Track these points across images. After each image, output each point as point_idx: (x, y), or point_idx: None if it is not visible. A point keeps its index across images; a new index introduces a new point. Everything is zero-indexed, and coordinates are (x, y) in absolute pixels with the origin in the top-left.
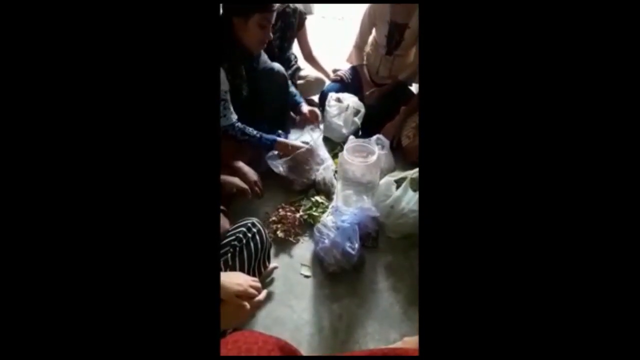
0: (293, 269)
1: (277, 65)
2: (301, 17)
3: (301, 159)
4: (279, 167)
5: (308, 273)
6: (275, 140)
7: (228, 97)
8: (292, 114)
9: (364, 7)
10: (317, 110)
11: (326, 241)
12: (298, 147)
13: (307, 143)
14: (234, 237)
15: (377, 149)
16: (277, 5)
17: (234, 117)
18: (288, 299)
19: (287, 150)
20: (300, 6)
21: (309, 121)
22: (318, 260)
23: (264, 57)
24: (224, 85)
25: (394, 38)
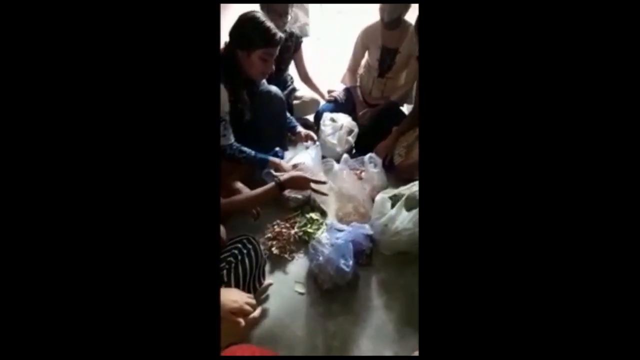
0: (288, 286)
1: (274, 88)
2: (297, 40)
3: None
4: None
5: (302, 290)
6: (267, 160)
7: (228, 118)
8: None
9: (358, 31)
10: (311, 132)
11: (320, 258)
12: (286, 169)
13: (299, 163)
14: (229, 254)
15: (370, 166)
16: (281, 39)
17: (232, 137)
18: (282, 316)
19: (280, 170)
20: (296, 30)
21: (303, 140)
22: (312, 277)
23: (263, 80)
24: (225, 106)
25: (385, 62)
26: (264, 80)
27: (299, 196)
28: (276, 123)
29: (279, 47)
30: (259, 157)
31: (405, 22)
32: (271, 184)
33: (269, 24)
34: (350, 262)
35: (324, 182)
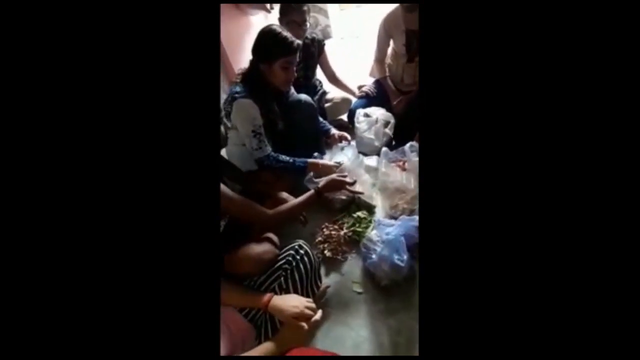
0: (345, 287)
1: (303, 96)
2: (320, 45)
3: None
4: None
5: (360, 290)
6: (307, 162)
7: (262, 130)
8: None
9: (379, 21)
10: (344, 133)
11: (373, 256)
12: (328, 166)
13: (339, 163)
14: (284, 261)
15: (412, 155)
16: (298, 46)
17: (268, 149)
18: (344, 317)
19: (319, 169)
20: (318, 34)
21: (337, 142)
22: (369, 276)
23: (292, 89)
24: (258, 120)
25: (413, 45)
26: (293, 90)
27: (343, 197)
28: (310, 130)
29: (298, 55)
30: (297, 162)
31: None
32: (310, 192)
33: (285, 33)
34: (405, 257)
35: (353, 182)
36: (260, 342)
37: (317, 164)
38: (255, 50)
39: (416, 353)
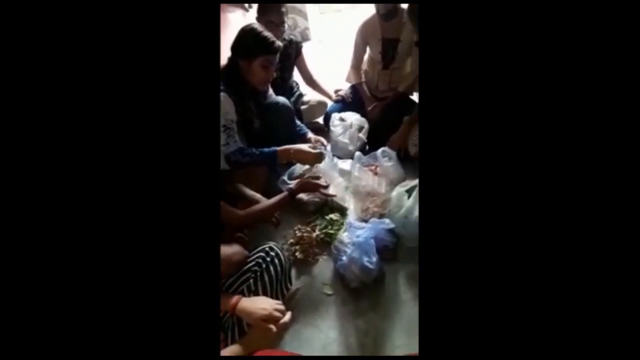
0: (315, 289)
1: (281, 99)
2: (297, 46)
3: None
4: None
5: (330, 291)
6: (275, 151)
7: (234, 126)
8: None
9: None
10: (320, 138)
11: (344, 258)
12: (301, 150)
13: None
14: (254, 263)
15: (383, 161)
16: (279, 47)
17: (237, 145)
18: (313, 318)
19: (290, 156)
20: (297, 36)
21: (313, 145)
22: (339, 278)
23: (270, 91)
24: (231, 115)
25: (388, 53)
26: (271, 92)
27: (317, 199)
28: (286, 133)
29: (278, 55)
30: (265, 152)
31: (402, 10)
32: (283, 194)
33: (267, 33)
34: (374, 259)
35: (327, 186)
36: (226, 346)
37: (287, 150)
38: (235, 46)
39: (384, 353)
